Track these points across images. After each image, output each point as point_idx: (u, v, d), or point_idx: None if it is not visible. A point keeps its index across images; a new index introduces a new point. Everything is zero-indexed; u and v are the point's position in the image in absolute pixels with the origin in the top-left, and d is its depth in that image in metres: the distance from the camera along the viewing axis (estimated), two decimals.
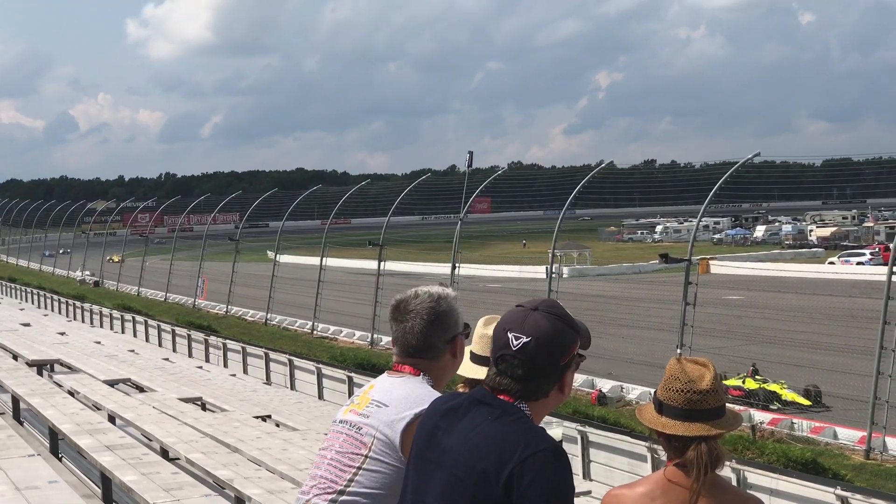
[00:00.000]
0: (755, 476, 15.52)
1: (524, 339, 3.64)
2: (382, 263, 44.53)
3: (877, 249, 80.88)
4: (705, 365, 4.07)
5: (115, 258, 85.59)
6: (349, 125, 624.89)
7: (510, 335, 3.66)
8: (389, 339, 4.74)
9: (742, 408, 28.00)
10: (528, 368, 3.65)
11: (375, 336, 42.31)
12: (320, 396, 30.94)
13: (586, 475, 20.14)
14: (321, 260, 49.89)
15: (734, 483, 15.31)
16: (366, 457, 4.26)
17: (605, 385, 31.19)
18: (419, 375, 4.42)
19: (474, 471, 3.51)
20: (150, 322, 47.98)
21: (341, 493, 4.25)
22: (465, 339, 4.54)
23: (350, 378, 29.47)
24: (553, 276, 35.17)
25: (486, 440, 3.55)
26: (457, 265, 39.00)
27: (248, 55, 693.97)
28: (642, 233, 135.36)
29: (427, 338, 4.40)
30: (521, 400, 3.64)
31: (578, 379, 32.08)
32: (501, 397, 3.67)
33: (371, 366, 33.34)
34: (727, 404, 4.09)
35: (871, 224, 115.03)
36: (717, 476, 4.02)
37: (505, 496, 3.44)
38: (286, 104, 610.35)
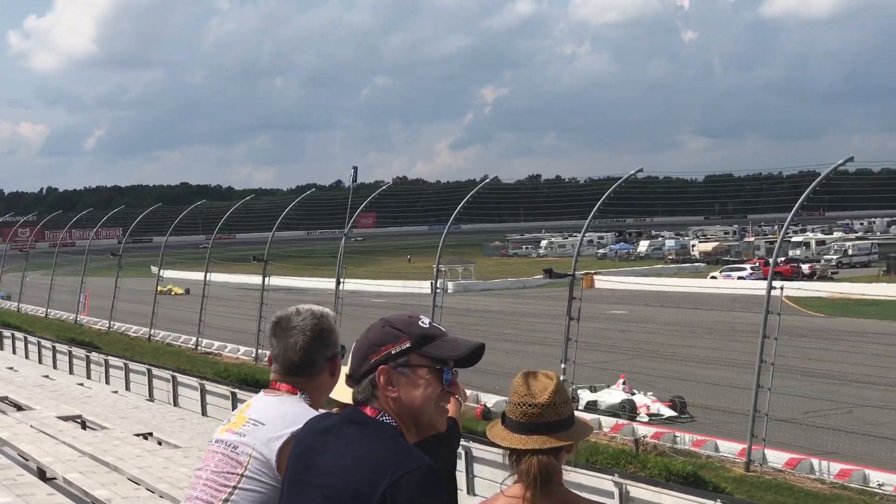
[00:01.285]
0: (637, 490, 15.62)
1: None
2: (267, 279, 44.27)
3: (757, 264, 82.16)
4: (551, 378, 4.08)
5: None
6: (235, 140, 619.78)
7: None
8: None
9: (625, 421, 28.27)
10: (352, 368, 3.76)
11: (260, 352, 41.98)
12: (204, 413, 30.60)
13: (470, 490, 20.14)
14: (205, 275, 49.46)
15: (617, 497, 15.43)
16: (241, 476, 4.22)
17: (490, 400, 31.27)
18: (297, 394, 4.39)
19: (347, 491, 3.48)
20: (30, 338, 47.10)
21: None
22: (342, 360, 4.52)
23: (234, 394, 29.20)
24: (438, 291, 35.16)
25: (359, 460, 3.53)
26: (341, 280, 38.89)
27: (133, 68, 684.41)
28: (527, 247, 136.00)
29: (309, 354, 4.38)
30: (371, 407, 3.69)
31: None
32: (367, 411, 3.68)
33: (255, 382, 33.07)
34: (577, 415, 4.10)
35: (752, 239, 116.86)
36: (564, 489, 4.04)
37: None
38: (171, 118, 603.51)
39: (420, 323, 3.79)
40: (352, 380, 3.77)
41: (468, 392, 32.35)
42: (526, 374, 4.10)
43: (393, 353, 3.69)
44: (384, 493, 3.40)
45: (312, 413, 4.20)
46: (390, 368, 3.68)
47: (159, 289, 60.54)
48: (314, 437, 3.75)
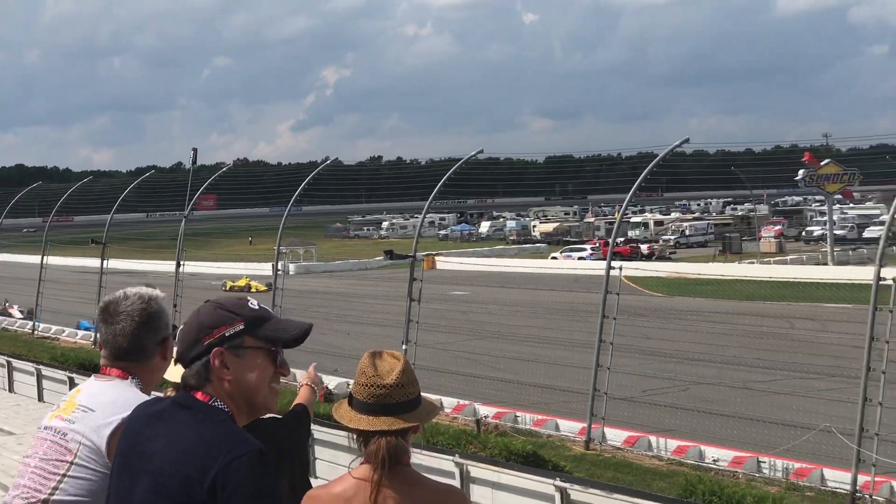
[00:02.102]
0: (478, 470, 15.64)
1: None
2: (106, 261, 43.42)
3: (597, 245, 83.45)
4: (398, 359, 4.06)
5: None
6: (73, 120, 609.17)
7: None
8: None
9: (468, 402, 28.32)
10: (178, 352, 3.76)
11: (99, 336, 41.22)
12: (40, 398, 29.91)
13: (311, 473, 20.00)
14: (42, 258, 48.32)
15: (458, 477, 15.43)
16: (71, 463, 4.14)
17: (332, 382, 31.10)
18: (128, 379, 4.33)
19: (178, 477, 3.44)
20: None
21: (45, 502, 4.11)
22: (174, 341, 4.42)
23: (71, 379, 28.54)
24: (279, 272, 34.84)
25: (189, 445, 3.49)
26: (182, 263, 38.28)
27: None
28: (368, 229, 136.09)
29: (138, 339, 4.32)
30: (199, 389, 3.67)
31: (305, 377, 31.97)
32: (198, 395, 3.66)
33: (94, 366, 32.30)
34: (424, 396, 4.08)
35: (592, 220, 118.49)
36: (411, 470, 4.02)
37: (209, 501, 3.39)
38: (5, 98, 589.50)
39: (251, 305, 3.79)
40: (181, 363, 3.73)
41: (305, 373, 32.41)
42: (372, 355, 4.07)
43: (227, 335, 3.67)
44: (215, 477, 3.37)
45: (143, 398, 4.09)
46: (225, 350, 3.66)
47: (230, 285, 62.43)
48: (144, 423, 3.70)
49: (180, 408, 3.65)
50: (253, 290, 61.85)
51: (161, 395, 4.25)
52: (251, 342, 3.69)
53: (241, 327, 3.69)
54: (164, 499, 3.47)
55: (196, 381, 3.67)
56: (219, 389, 3.66)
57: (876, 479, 19.48)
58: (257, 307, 3.78)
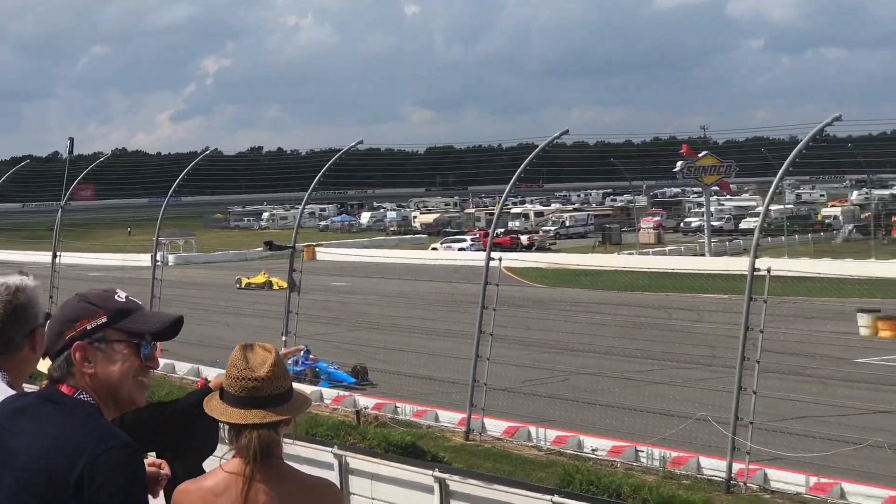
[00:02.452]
0: (357, 461, 15.57)
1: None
2: None
3: (477, 235, 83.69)
4: (269, 351, 4.00)
5: None
6: None
7: None
8: None
9: (347, 392, 28.21)
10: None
11: None
12: None
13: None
14: None
15: (336, 469, 15.34)
16: None
17: (212, 373, 30.82)
18: None
19: (43, 472, 3.38)
20: None
21: None
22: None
23: None
24: (158, 263, 34.45)
25: (55, 440, 3.43)
26: (58, 253, 37.65)
27: None
28: (249, 220, 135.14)
29: (4, 332, 4.15)
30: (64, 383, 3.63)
31: (184, 367, 31.75)
32: (63, 389, 3.61)
33: None
34: (296, 388, 4.04)
35: (473, 211, 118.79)
36: (283, 464, 3.98)
37: (76, 496, 3.33)
38: None
39: (116, 297, 3.73)
40: (49, 356, 3.69)
41: (188, 366, 31.75)
42: (244, 347, 4.01)
43: (89, 328, 3.62)
44: (81, 472, 3.32)
45: (9, 392, 3.97)
46: (86, 344, 3.60)
47: (246, 282, 58.58)
48: (8, 419, 3.60)
49: (46, 402, 3.58)
50: (276, 287, 55.24)
51: (36, 387, 4.14)
52: (114, 335, 3.63)
53: (104, 320, 3.63)
54: (30, 495, 3.39)
55: (60, 374, 3.61)
56: (82, 383, 3.60)
57: (750, 466, 19.82)
58: (123, 299, 3.72)
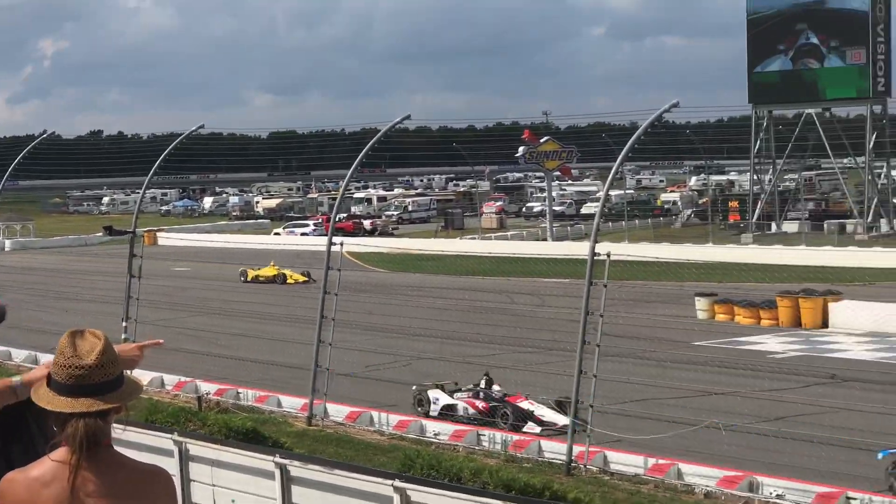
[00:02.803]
0: (197, 448, 15.38)
1: None
2: None
3: (320, 220, 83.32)
4: (98, 338, 3.92)
5: None
6: None
7: None
8: None
9: (189, 379, 27.90)
10: None
11: None
12: None
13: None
14: None
15: (176, 455, 15.16)
16: None
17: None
18: None
19: None
20: None
21: None
22: None
23: None
24: None
25: None
26: None
27: None
28: (88, 204, 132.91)
29: None
30: None
31: (20, 354, 31.15)
32: None
33: None
34: (127, 375, 3.97)
35: (316, 195, 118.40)
36: (113, 452, 3.90)
37: None
38: None
39: None
40: None
41: (24, 353, 31.07)
42: (72, 334, 3.90)
43: None
44: None
45: None
46: None
47: (253, 275, 52.82)
48: None
49: None
50: (290, 280, 51.83)
51: None
52: None
53: None
54: None
55: None
56: None
57: (590, 448, 20.11)
58: None
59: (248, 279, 53.48)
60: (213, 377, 28.55)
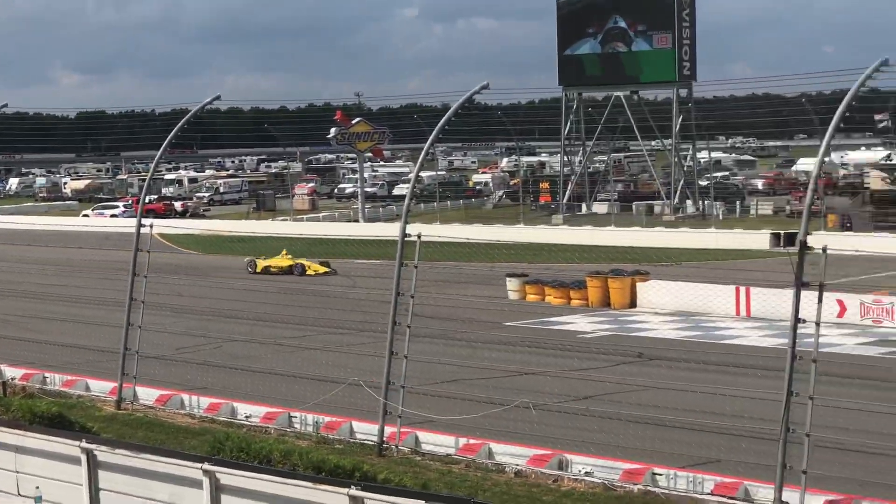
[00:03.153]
0: (1, 435, 15.10)
1: None
2: None
3: (130, 202, 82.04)
4: None
5: None
6: None
7: None
8: None
9: None
10: None
11: None
12: None
13: None
14: None
15: None
16: None
17: None
18: None
19: None
20: None
21: None
22: None
23: None
24: None
25: None
26: None
27: None
28: None
29: None
30: None
31: None
32: None
33: None
34: None
35: (125, 177, 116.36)
36: None
37: None
38: None
39: None
40: None
41: None
42: None
43: None
44: None
45: None
46: None
47: (262, 265, 46.72)
48: None
49: None
50: (311, 272, 46.86)
51: None
52: None
53: None
54: None
55: None
56: None
57: (402, 429, 20.24)
58: None
59: (257, 270, 47.25)
60: (20, 362, 27.91)
